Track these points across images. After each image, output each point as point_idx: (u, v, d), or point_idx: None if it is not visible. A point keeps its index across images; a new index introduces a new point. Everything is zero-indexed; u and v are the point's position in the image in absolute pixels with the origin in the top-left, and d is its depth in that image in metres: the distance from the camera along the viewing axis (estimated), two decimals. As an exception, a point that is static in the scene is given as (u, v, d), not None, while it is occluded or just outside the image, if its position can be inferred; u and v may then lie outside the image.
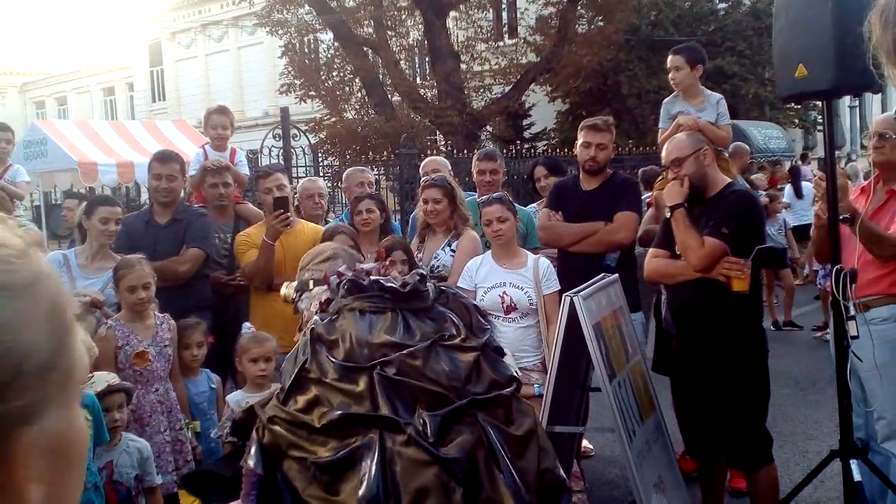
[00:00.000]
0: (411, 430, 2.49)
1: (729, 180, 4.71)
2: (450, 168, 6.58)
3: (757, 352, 4.51)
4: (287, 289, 3.31)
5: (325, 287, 3.00)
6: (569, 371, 4.29)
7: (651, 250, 4.77)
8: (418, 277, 2.83)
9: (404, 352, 2.58)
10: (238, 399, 4.46)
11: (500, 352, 2.95)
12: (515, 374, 2.89)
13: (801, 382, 8.01)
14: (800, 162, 19.82)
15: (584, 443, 6.25)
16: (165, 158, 5.77)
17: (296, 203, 6.14)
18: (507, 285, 4.98)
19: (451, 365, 2.63)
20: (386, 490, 2.41)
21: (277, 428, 2.56)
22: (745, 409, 4.45)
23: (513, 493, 2.52)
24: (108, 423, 3.99)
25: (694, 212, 4.45)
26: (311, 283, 3.14)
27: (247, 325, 4.66)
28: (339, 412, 2.51)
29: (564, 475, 2.82)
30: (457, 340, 2.70)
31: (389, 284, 2.75)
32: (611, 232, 5.38)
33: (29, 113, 43.09)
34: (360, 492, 2.39)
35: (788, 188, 13.78)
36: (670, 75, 5.84)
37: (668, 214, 4.55)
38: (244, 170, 6.85)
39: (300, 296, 3.17)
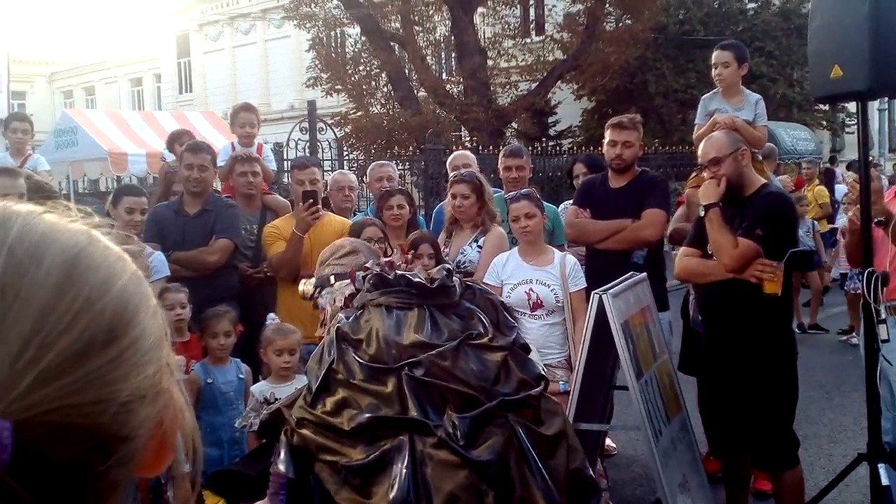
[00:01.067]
0: (441, 432, 2.48)
1: (764, 181, 4.68)
2: (477, 163, 6.57)
3: (786, 354, 4.48)
4: (305, 285, 3.28)
5: (349, 282, 2.99)
6: (595, 368, 4.28)
7: (682, 249, 4.75)
8: (445, 273, 2.82)
9: (433, 352, 2.56)
10: (262, 390, 4.48)
11: (526, 349, 2.93)
12: (543, 373, 2.88)
13: (826, 386, 7.95)
14: (828, 164, 19.68)
15: (608, 441, 6.24)
16: (197, 149, 5.82)
17: (324, 195, 6.18)
18: (533, 282, 4.97)
19: (480, 365, 2.62)
20: (417, 493, 2.40)
21: (306, 431, 2.56)
22: (772, 411, 4.42)
23: (544, 494, 2.51)
24: None
25: (728, 212, 4.42)
26: (332, 278, 3.12)
27: (271, 316, 4.68)
28: (368, 415, 2.50)
29: (593, 475, 2.81)
30: (485, 339, 2.69)
31: (417, 279, 2.73)
32: (638, 229, 5.37)
33: (57, 102, 43.43)
34: (392, 494, 2.38)
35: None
36: (716, 71, 5.78)
37: (702, 213, 4.52)
38: (271, 165, 6.92)
39: (320, 291, 3.16)
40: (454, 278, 2.84)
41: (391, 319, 2.65)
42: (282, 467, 2.59)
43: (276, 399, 4.11)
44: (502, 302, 2.99)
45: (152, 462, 0.78)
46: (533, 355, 4.64)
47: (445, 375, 2.56)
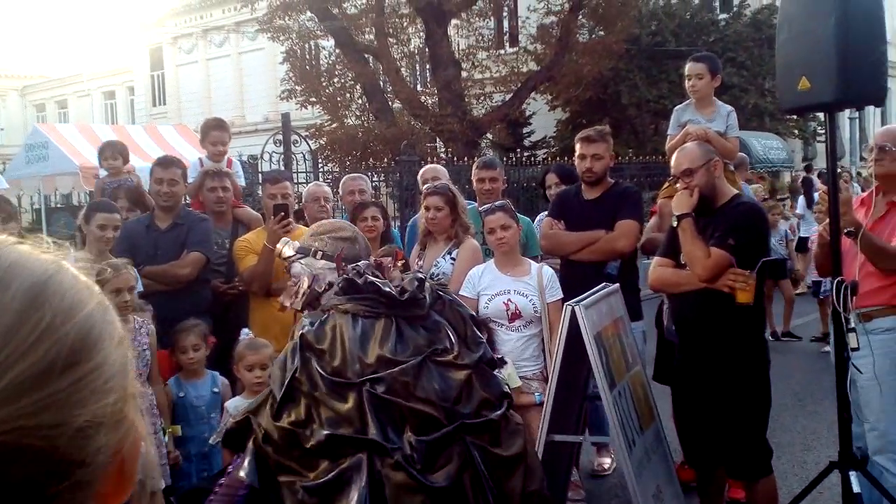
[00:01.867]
0: (399, 455, 2.46)
1: (736, 192, 4.72)
2: (448, 176, 6.58)
3: (759, 362, 4.51)
4: (286, 246, 3.23)
5: (334, 266, 2.95)
6: (569, 380, 4.29)
7: (655, 259, 4.78)
8: (417, 283, 2.79)
9: (396, 370, 2.54)
10: (236, 405, 4.45)
11: (493, 364, 2.91)
12: (507, 391, 2.86)
13: (800, 393, 8.01)
14: (803, 172, 19.83)
15: (604, 459, 6.21)
16: (167, 163, 5.82)
17: (297, 208, 6.17)
18: (511, 293, 4.98)
19: (443, 383, 2.59)
20: None
21: (270, 450, 2.54)
22: (745, 420, 4.45)
23: None
24: None
25: (700, 222, 4.45)
26: (319, 253, 3.08)
27: (245, 330, 4.66)
28: (326, 433, 2.48)
29: (549, 494, 2.80)
30: (450, 357, 2.66)
31: (387, 289, 2.70)
32: (612, 240, 5.40)
33: (29, 116, 43.12)
34: None
35: (801, 199, 13.75)
36: (690, 83, 5.82)
37: (674, 223, 4.55)
38: (240, 179, 6.91)
39: (300, 258, 3.11)
40: (426, 287, 2.81)
41: (357, 329, 2.61)
42: (243, 474, 2.57)
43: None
44: (472, 315, 2.96)
45: (112, 491, 0.78)
46: (509, 367, 4.68)
47: (406, 394, 2.53)
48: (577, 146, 5.57)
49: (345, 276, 2.79)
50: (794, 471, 5.86)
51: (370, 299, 2.69)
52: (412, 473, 2.44)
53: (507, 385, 4.70)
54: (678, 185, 4.59)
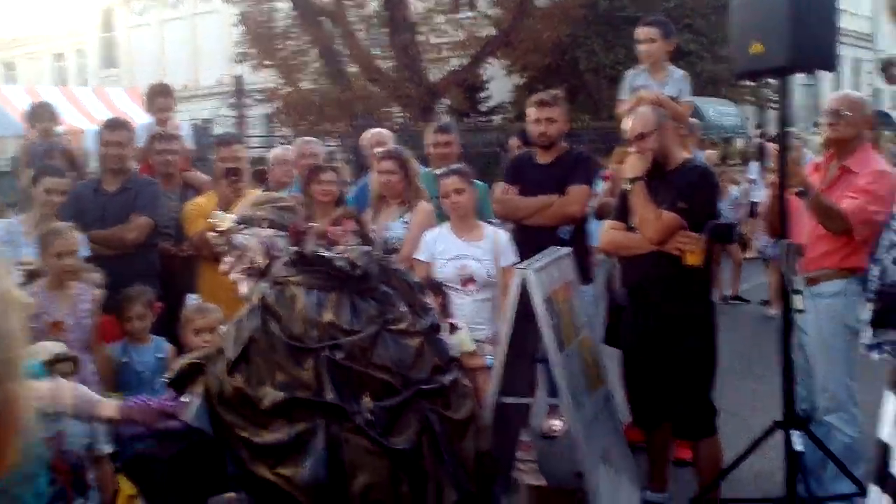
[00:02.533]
0: (359, 419, 2.46)
1: (688, 155, 4.75)
2: (393, 140, 6.53)
3: (706, 324, 4.58)
4: (221, 220, 3.16)
5: (283, 234, 2.91)
6: (519, 343, 4.30)
7: (607, 222, 4.81)
8: (366, 257, 2.78)
9: (354, 337, 2.54)
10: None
11: (437, 329, 2.92)
12: (455, 356, 2.88)
13: (747, 356, 8.12)
14: (758, 139, 20.02)
15: (558, 422, 6.27)
16: (114, 126, 5.74)
17: (259, 169, 6.12)
18: (466, 257, 4.98)
19: (398, 351, 2.61)
20: (332, 475, 2.39)
21: (222, 408, 2.52)
22: (692, 381, 4.52)
23: (455, 481, 2.53)
24: None
25: (652, 186, 4.48)
26: (266, 221, 3.03)
27: (191, 296, 4.61)
28: (285, 394, 2.47)
29: (498, 455, 2.82)
30: (403, 325, 2.67)
31: (339, 265, 2.68)
32: (564, 205, 5.41)
33: (-24, 78, 42.11)
34: (305, 474, 2.37)
35: (754, 165, 13.88)
36: (643, 47, 5.77)
37: (626, 187, 4.58)
38: (187, 144, 6.83)
39: (242, 229, 3.05)
40: (373, 259, 2.80)
41: (312, 299, 2.60)
42: (192, 419, 2.54)
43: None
44: (419, 283, 2.96)
45: None
46: (462, 332, 4.69)
47: (364, 361, 2.54)
48: (531, 110, 5.54)
49: (296, 248, 2.77)
50: (739, 431, 5.92)
51: (321, 272, 2.66)
52: (374, 438, 2.44)
53: (461, 349, 4.75)
54: (631, 149, 4.61)
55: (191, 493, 2.84)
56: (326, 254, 2.72)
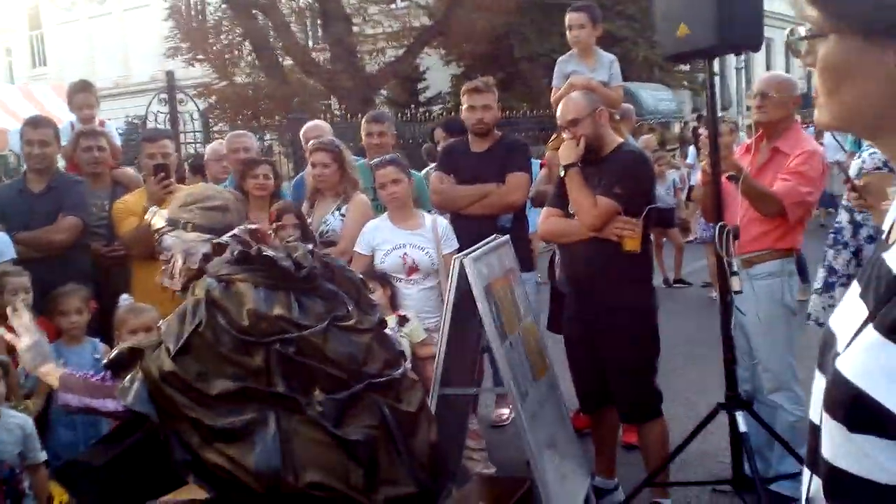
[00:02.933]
0: (311, 411, 2.43)
1: (621, 140, 4.75)
2: (332, 133, 6.45)
3: (646, 308, 4.58)
4: (155, 216, 3.05)
5: (207, 238, 2.82)
6: (462, 332, 4.26)
7: (544, 209, 4.79)
8: (309, 256, 2.72)
9: (306, 332, 2.50)
10: None
11: (384, 325, 2.89)
12: (401, 350, 2.85)
13: (691, 338, 8.19)
14: (694, 122, 20.26)
15: (501, 410, 6.27)
16: (37, 123, 5.56)
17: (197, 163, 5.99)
18: (407, 246, 4.94)
19: (349, 347, 2.57)
20: (284, 466, 2.35)
21: (168, 390, 2.45)
22: (635, 365, 4.53)
23: (409, 473, 2.50)
24: None
25: (587, 171, 4.47)
26: (189, 225, 2.92)
27: (124, 296, 4.48)
28: (237, 383, 2.42)
29: (448, 457, 2.80)
30: (351, 322, 2.63)
31: (282, 264, 2.62)
32: (505, 194, 5.39)
33: None
34: (256, 458, 2.33)
35: (692, 149, 14.02)
36: (572, 33, 5.76)
37: (562, 174, 4.56)
38: (115, 140, 6.65)
39: (169, 230, 2.95)
40: (315, 257, 2.74)
41: (259, 294, 2.54)
42: (132, 402, 2.45)
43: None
44: (362, 279, 2.91)
45: None
46: (413, 322, 4.64)
47: (317, 355, 2.50)
48: (465, 98, 5.51)
49: (238, 247, 2.69)
50: (686, 414, 5.99)
51: (265, 271, 2.60)
52: (326, 428, 2.41)
53: (412, 339, 4.70)
54: (564, 135, 4.59)
55: (125, 500, 2.75)
56: (271, 253, 2.64)
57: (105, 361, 2.70)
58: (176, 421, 2.44)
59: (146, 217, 3.13)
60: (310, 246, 2.82)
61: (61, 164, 6.21)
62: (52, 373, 2.79)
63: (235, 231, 2.79)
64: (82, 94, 6.48)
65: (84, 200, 5.47)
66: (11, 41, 39.81)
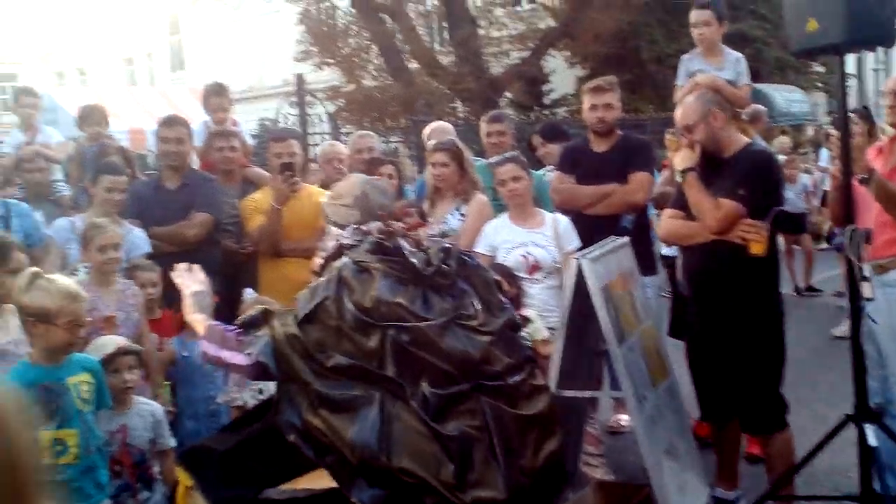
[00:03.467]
0: (415, 401, 2.47)
1: (747, 140, 4.61)
2: (454, 133, 6.49)
3: (772, 315, 4.44)
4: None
5: (341, 234, 2.92)
6: (580, 334, 4.22)
7: (666, 211, 4.70)
8: (442, 253, 2.76)
9: (423, 324, 2.54)
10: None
11: (517, 327, 2.90)
12: (530, 354, 2.86)
13: (819, 348, 7.91)
14: (828, 126, 19.54)
15: (625, 417, 6.16)
16: (172, 122, 5.79)
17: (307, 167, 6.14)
18: (528, 245, 4.94)
19: (467, 345, 2.60)
20: (380, 443, 2.40)
21: (290, 351, 2.56)
22: (759, 374, 4.39)
23: (505, 477, 2.50)
24: (119, 384, 4.01)
25: (709, 174, 4.36)
26: (327, 219, 3.10)
27: (248, 290, 4.62)
28: (349, 360, 2.50)
29: (566, 463, 2.79)
30: (474, 322, 2.66)
31: (413, 260, 2.68)
32: (627, 193, 5.32)
33: (49, 83, 43.17)
34: (355, 432, 2.39)
35: (825, 152, 13.52)
36: (697, 31, 5.68)
37: (679, 179, 4.47)
38: (249, 141, 6.87)
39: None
40: (452, 255, 2.78)
41: (387, 282, 2.62)
42: (256, 354, 2.58)
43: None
44: (497, 281, 2.94)
45: None
46: (535, 322, 4.62)
47: (431, 348, 2.54)
48: (587, 97, 5.48)
49: (375, 237, 2.78)
50: (813, 426, 5.76)
51: (398, 264, 2.68)
52: (425, 420, 2.44)
53: (533, 338, 4.68)
54: (682, 140, 4.50)
55: (245, 486, 2.85)
56: (405, 247, 2.72)
57: (239, 320, 2.85)
58: (290, 382, 2.54)
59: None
60: (447, 244, 2.87)
61: (196, 163, 6.45)
62: (201, 322, 2.97)
63: (363, 227, 2.88)
64: (216, 98, 6.67)
65: (216, 198, 5.66)
66: (152, 46, 41.56)
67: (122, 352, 4.09)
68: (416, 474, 2.42)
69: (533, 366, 2.81)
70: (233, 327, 2.81)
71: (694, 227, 4.43)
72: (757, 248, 4.23)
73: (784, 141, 13.36)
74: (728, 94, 5.26)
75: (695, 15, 5.66)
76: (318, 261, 3.10)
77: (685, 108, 4.47)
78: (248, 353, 2.63)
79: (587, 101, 5.46)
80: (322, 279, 2.73)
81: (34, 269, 3.81)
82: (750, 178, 4.28)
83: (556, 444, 2.71)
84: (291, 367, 2.56)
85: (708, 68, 5.59)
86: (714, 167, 4.37)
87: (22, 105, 7.38)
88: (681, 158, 4.45)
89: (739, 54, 5.75)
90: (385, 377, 2.51)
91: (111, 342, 4.13)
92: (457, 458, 2.45)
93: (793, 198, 10.57)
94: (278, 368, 2.59)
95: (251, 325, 2.77)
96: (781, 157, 11.17)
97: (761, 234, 4.21)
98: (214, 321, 2.96)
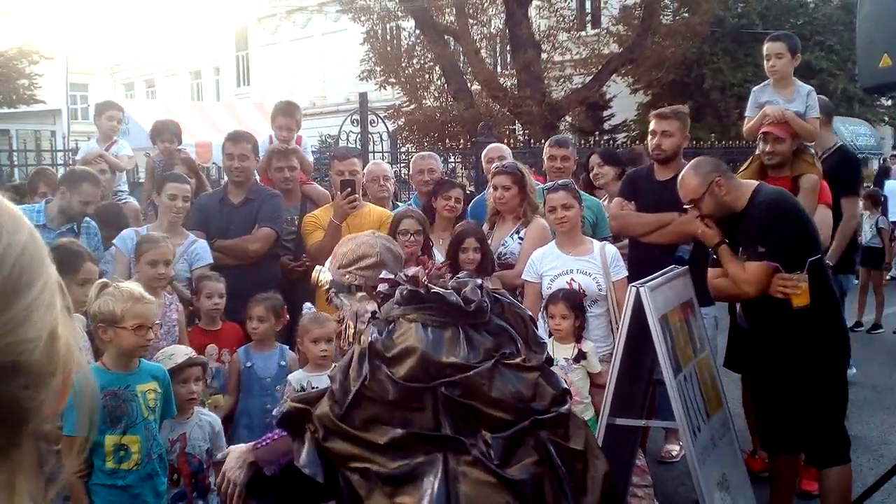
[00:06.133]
0: (476, 451, 2.45)
1: (755, 185, 4.52)
2: (511, 155, 6.52)
3: (834, 354, 4.38)
4: (321, 275, 3.21)
5: (371, 298, 2.94)
6: (634, 363, 4.21)
7: (711, 271, 4.64)
8: (478, 291, 2.76)
9: (470, 373, 2.52)
10: (298, 378, 4.48)
11: (551, 362, 2.90)
12: (567, 387, 2.84)
13: (879, 386, 7.76)
14: (888, 161, 19.23)
15: (671, 447, 6.11)
16: (237, 138, 5.87)
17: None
18: (574, 272, 4.91)
19: (516, 385, 2.58)
20: None
21: (334, 444, 2.54)
22: (822, 409, 4.33)
23: None
24: (185, 395, 4.10)
25: (735, 231, 4.37)
26: (353, 287, 3.08)
27: (308, 305, 4.68)
28: (403, 430, 2.47)
29: (614, 484, 2.77)
30: (518, 360, 2.64)
31: (452, 299, 2.68)
32: (685, 223, 5.26)
33: (118, 94, 44.18)
34: (424, 502, 2.37)
35: (889, 184, 13.33)
36: (770, 63, 5.67)
37: (715, 256, 4.50)
38: (308, 157, 6.91)
39: (336, 293, 3.11)
40: (485, 292, 2.78)
41: (428, 335, 2.59)
42: (305, 467, 2.57)
43: (313, 387, 4.11)
44: (531, 316, 2.93)
45: (58, 399, 0.80)
46: (592, 357, 4.60)
47: (482, 397, 2.51)
48: (651, 123, 5.49)
49: (405, 287, 2.77)
50: (869, 464, 5.68)
51: (435, 308, 2.66)
52: (491, 468, 2.42)
53: (589, 370, 4.68)
54: (692, 212, 4.49)
55: (299, 499, 2.87)
56: (440, 290, 2.71)
57: (276, 418, 2.85)
58: (343, 471, 2.52)
59: (314, 274, 3.28)
60: (479, 281, 2.85)
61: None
62: (246, 458, 2.90)
63: (394, 278, 2.89)
64: (283, 118, 6.55)
65: (279, 213, 5.76)
66: (220, 61, 42.32)
67: (190, 363, 4.17)
68: None
69: (570, 397, 2.80)
70: (265, 436, 2.83)
71: (736, 290, 4.43)
72: (798, 301, 4.16)
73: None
74: (797, 127, 5.22)
75: (768, 47, 5.65)
76: (318, 276, 3.14)
77: (685, 184, 4.46)
78: (296, 461, 2.64)
79: (650, 127, 5.48)
80: (353, 353, 2.70)
81: (103, 279, 3.91)
82: (765, 232, 4.24)
83: (608, 478, 2.69)
84: (341, 458, 2.52)
85: (778, 100, 5.56)
86: (734, 224, 4.37)
87: (110, 119, 7.54)
88: (706, 238, 4.48)
89: (810, 87, 5.70)
90: (443, 437, 2.49)
91: (181, 352, 4.22)
92: (529, 501, 2.44)
93: (866, 230, 10.65)
94: (329, 463, 2.58)
95: (288, 419, 2.78)
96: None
97: (799, 287, 4.15)
98: (251, 445, 2.94)
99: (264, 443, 2.86)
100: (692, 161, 4.67)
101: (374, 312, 2.85)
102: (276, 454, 2.76)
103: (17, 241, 0.76)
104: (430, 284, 2.75)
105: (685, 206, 4.55)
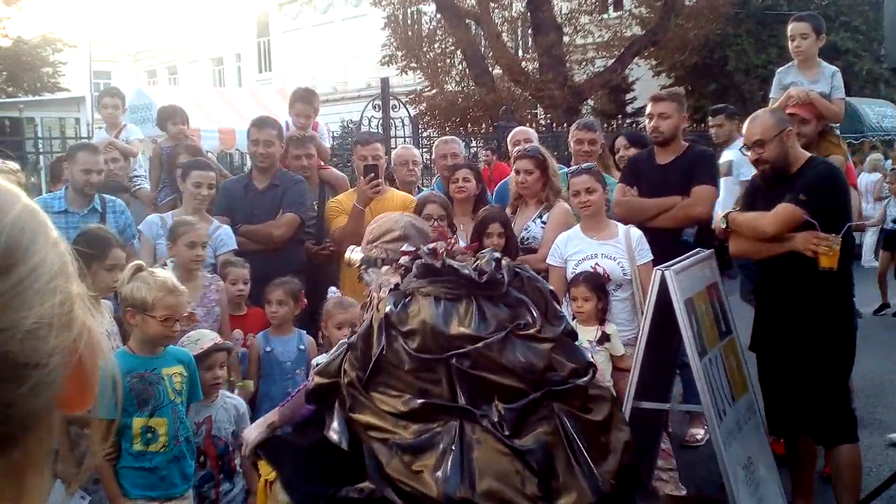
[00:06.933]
0: (487, 422, 2.49)
1: (810, 155, 4.53)
2: (537, 139, 6.49)
3: (844, 328, 4.37)
4: (353, 254, 3.29)
5: (394, 270, 2.97)
6: (659, 346, 4.20)
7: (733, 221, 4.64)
8: (494, 263, 2.78)
9: (480, 345, 2.56)
10: (321, 363, 4.50)
11: (574, 336, 2.91)
12: (591, 360, 2.85)
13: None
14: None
15: (695, 431, 6.09)
16: (262, 124, 5.89)
17: (388, 170, 6.19)
18: (599, 256, 4.91)
19: (528, 356, 2.60)
20: (461, 474, 2.42)
21: (358, 415, 2.60)
22: (829, 385, 4.33)
23: (589, 483, 2.50)
24: (210, 379, 4.14)
25: (777, 191, 4.32)
26: (379, 261, 3.12)
27: (332, 289, 4.70)
28: (421, 400, 2.53)
29: (637, 461, 2.78)
30: (532, 330, 2.66)
31: (465, 272, 2.70)
32: (688, 206, 5.26)
33: (141, 81, 44.34)
34: (439, 472, 2.41)
35: None
36: (794, 43, 5.63)
37: (723, 226, 4.53)
38: (325, 142, 6.90)
39: (366, 269, 3.16)
40: (503, 266, 2.80)
41: (439, 309, 2.63)
42: (335, 437, 2.63)
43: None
44: (551, 290, 2.94)
45: (75, 395, 0.78)
46: (615, 340, 4.60)
47: (493, 367, 2.56)
48: (647, 107, 5.47)
49: (422, 260, 2.81)
50: (886, 449, 5.66)
51: (450, 281, 2.70)
52: (501, 438, 2.46)
53: (612, 353, 4.67)
54: (749, 154, 4.45)
55: (326, 483, 2.90)
56: (454, 263, 2.74)
57: (307, 393, 2.93)
58: (366, 439, 2.58)
59: (346, 254, 3.34)
60: (497, 254, 2.88)
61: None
62: (270, 420, 3.11)
63: (407, 249, 2.93)
64: (301, 104, 6.57)
65: (303, 199, 5.79)
66: (241, 47, 42.37)
67: (216, 348, 4.21)
68: (501, 494, 2.43)
69: (595, 370, 2.80)
70: (288, 396, 2.90)
71: (761, 243, 4.40)
72: (827, 262, 4.15)
73: (876, 158, 13.05)
74: (822, 108, 5.17)
75: (793, 27, 5.60)
76: (350, 255, 3.21)
77: (760, 123, 4.41)
78: (325, 433, 2.71)
79: (647, 110, 5.47)
80: (371, 320, 2.75)
81: (138, 262, 3.95)
82: (813, 187, 4.23)
83: (630, 449, 2.69)
84: (364, 424, 2.60)
85: (803, 81, 5.51)
86: (781, 182, 4.33)
87: (105, 106, 7.58)
88: (717, 219, 4.50)
89: (835, 68, 5.65)
90: (459, 407, 2.54)
91: (207, 337, 4.26)
92: (539, 470, 2.46)
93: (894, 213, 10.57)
94: (351, 434, 2.65)
95: (317, 395, 2.85)
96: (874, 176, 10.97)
97: (832, 248, 4.13)
98: (276, 411, 3.07)
99: (286, 402, 2.93)
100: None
101: (396, 284, 2.88)
102: (298, 408, 2.83)
103: None
104: (447, 259, 2.78)
105: (745, 146, 4.51)
